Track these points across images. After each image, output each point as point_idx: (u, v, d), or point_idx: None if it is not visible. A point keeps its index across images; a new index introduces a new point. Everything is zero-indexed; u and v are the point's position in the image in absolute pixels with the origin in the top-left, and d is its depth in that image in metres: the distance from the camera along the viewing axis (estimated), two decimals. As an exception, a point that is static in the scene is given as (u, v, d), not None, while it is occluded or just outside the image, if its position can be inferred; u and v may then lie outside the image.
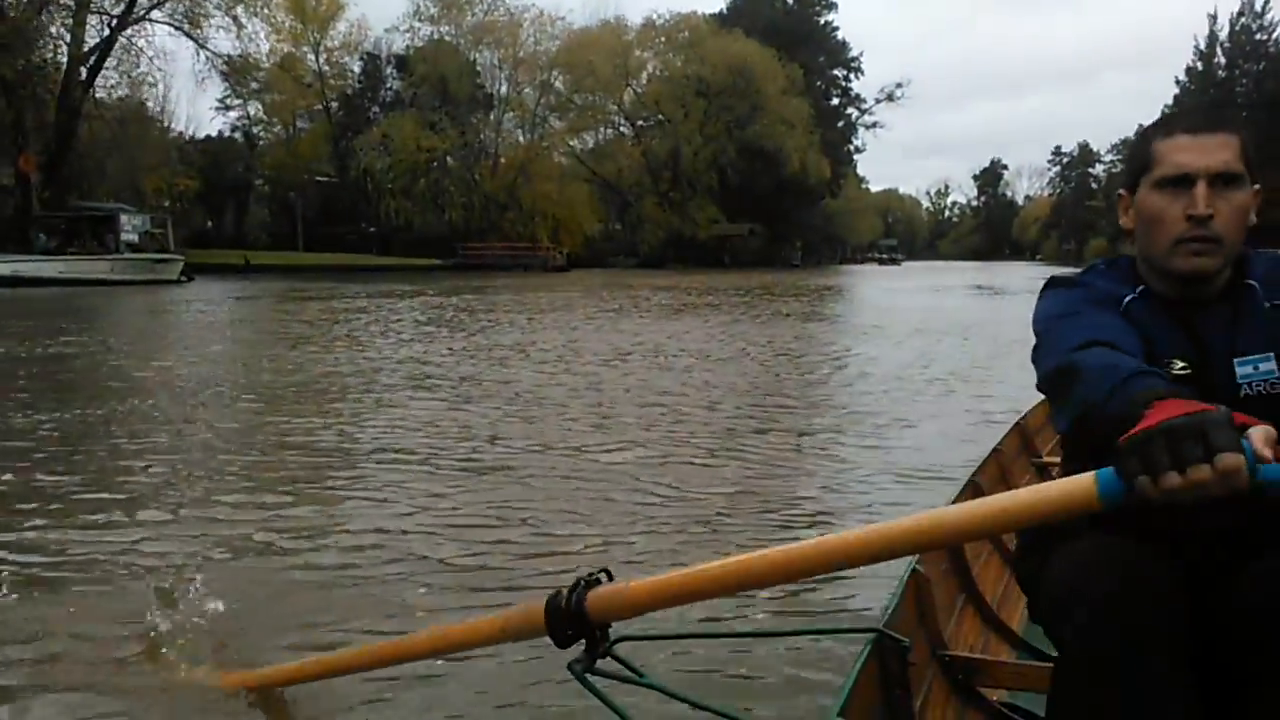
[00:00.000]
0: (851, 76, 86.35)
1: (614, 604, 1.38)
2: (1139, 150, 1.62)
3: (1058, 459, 2.57)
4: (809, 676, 2.69)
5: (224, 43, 46.74)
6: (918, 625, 2.10)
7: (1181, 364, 1.54)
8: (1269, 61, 67.63)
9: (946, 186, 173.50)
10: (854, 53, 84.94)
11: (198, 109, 55.37)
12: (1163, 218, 1.55)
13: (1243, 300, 1.58)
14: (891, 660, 1.83)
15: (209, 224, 56.14)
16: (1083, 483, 1.12)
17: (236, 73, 45.53)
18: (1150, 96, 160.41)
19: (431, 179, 56.28)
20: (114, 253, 34.35)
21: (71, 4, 39.05)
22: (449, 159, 58.47)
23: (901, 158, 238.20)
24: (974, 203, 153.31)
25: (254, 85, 48.62)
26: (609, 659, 1.42)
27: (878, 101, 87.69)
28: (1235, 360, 1.54)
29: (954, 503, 1.93)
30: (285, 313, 20.05)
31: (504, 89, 63.60)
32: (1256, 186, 1.57)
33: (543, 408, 7.66)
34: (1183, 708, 1.32)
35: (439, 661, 2.61)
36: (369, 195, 55.33)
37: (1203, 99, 68.86)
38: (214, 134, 57.73)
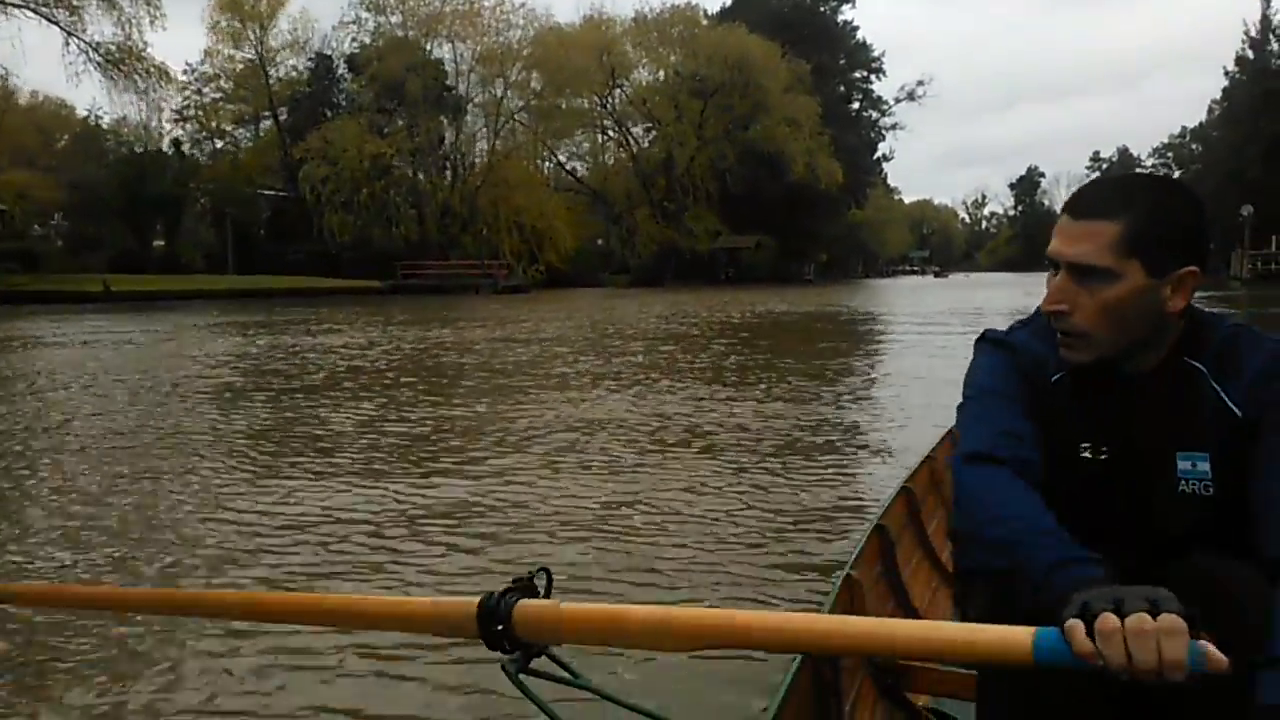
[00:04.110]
0: (873, 78, 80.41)
1: (540, 622, 1.33)
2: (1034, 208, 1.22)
3: None
4: (747, 681, 2.71)
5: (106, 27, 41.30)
6: None
7: (1101, 450, 1.47)
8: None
9: (983, 196, 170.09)
10: (875, 53, 78.86)
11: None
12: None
13: (1187, 383, 1.46)
14: (824, 667, 1.89)
15: (149, 243, 50.63)
16: (1019, 638, 1.05)
17: (114, 64, 39.76)
18: (1198, 96, 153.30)
19: (377, 189, 50.03)
20: None
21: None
22: (396, 167, 52.26)
23: (938, 167, 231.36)
24: (1010, 212, 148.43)
25: (144, 81, 42.31)
26: (544, 659, 1.37)
27: (898, 101, 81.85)
28: (1178, 454, 1.44)
29: (862, 544, 2.48)
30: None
31: (469, 90, 57.35)
32: (1189, 269, 1.42)
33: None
34: None
35: (373, 647, 2.86)
36: (310, 210, 49.37)
37: (1254, 92, 62.50)
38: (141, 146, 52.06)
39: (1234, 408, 1.42)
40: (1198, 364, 1.46)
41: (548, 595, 1.37)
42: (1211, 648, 0.97)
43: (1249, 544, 1.33)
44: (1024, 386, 1.52)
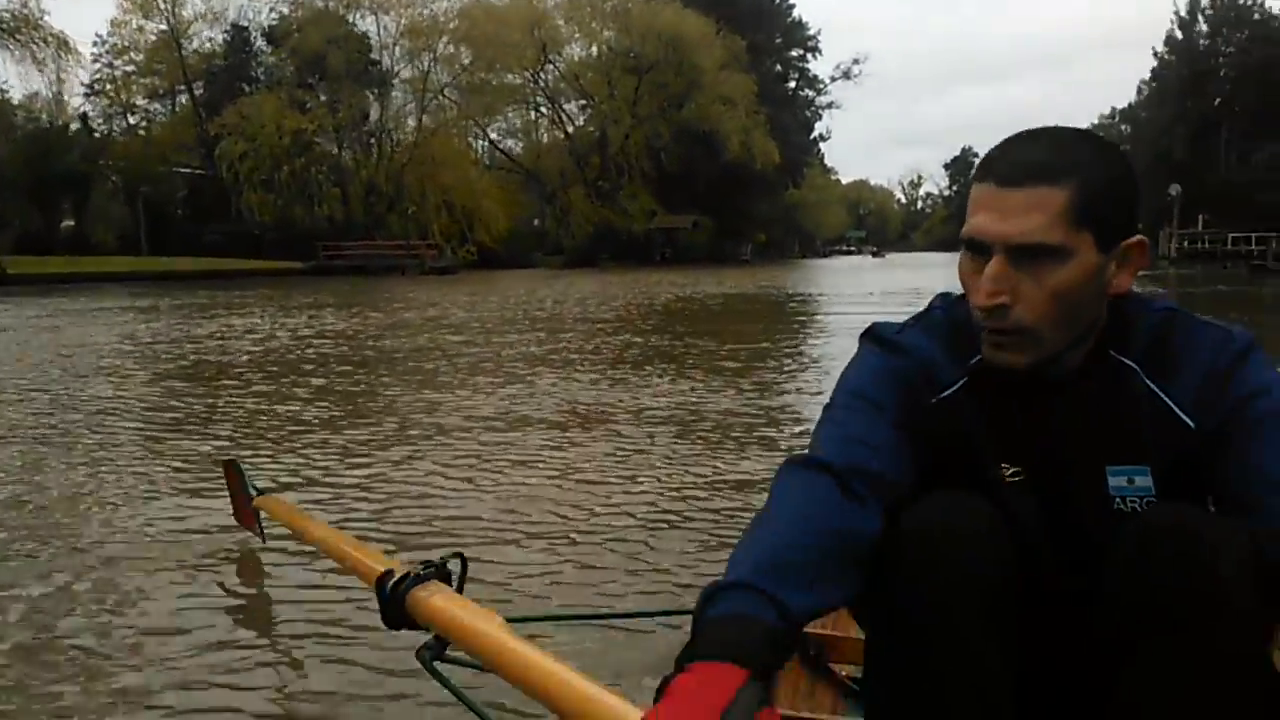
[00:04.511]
0: (809, 57, 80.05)
1: (432, 613, 1.27)
2: (969, 189, 1.23)
3: None
4: (665, 657, 2.33)
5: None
6: None
7: (1014, 469, 1.25)
8: (1254, 27, 61.86)
9: (919, 177, 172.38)
10: (811, 30, 78.44)
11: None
12: (968, 288, 1.23)
13: (1115, 383, 1.24)
14: None
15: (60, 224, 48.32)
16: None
17: (9, 34, 37.60)
18: (1128, 77, 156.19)
19: (298, 167, 48.16)
20: None
21: None
22: (318, 144, 50.34)
23: (875, 149, 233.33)
24: (945, 192, 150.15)
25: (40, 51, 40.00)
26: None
27: (834, 80, 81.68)
28: (1108, 468, 1.22)
29: None
30: None
31: (395, 64, 55.55)
32: (1137, 239, 1.21)
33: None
34: (1000, 664, 1.13)
35: (289, 634, 2.68)
36: (229, 188, 47.45)
37: (1182, 72, 63.42)
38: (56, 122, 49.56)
39: (1184, 417, 1.19)
40: (1127, 360, 1.23)
41: (461, 585, 1.30)
42: None
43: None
44: (904, 396, 1.27)
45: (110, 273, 36.50)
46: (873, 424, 1.23)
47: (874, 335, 1.35)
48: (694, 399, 7.36)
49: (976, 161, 1.41)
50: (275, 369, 9.66)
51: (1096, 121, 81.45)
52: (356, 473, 4.97)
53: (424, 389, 8.24)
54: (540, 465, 5.13)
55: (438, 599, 1.27)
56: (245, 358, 10.82)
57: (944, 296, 1.38)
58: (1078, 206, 1.13)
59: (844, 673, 2.16)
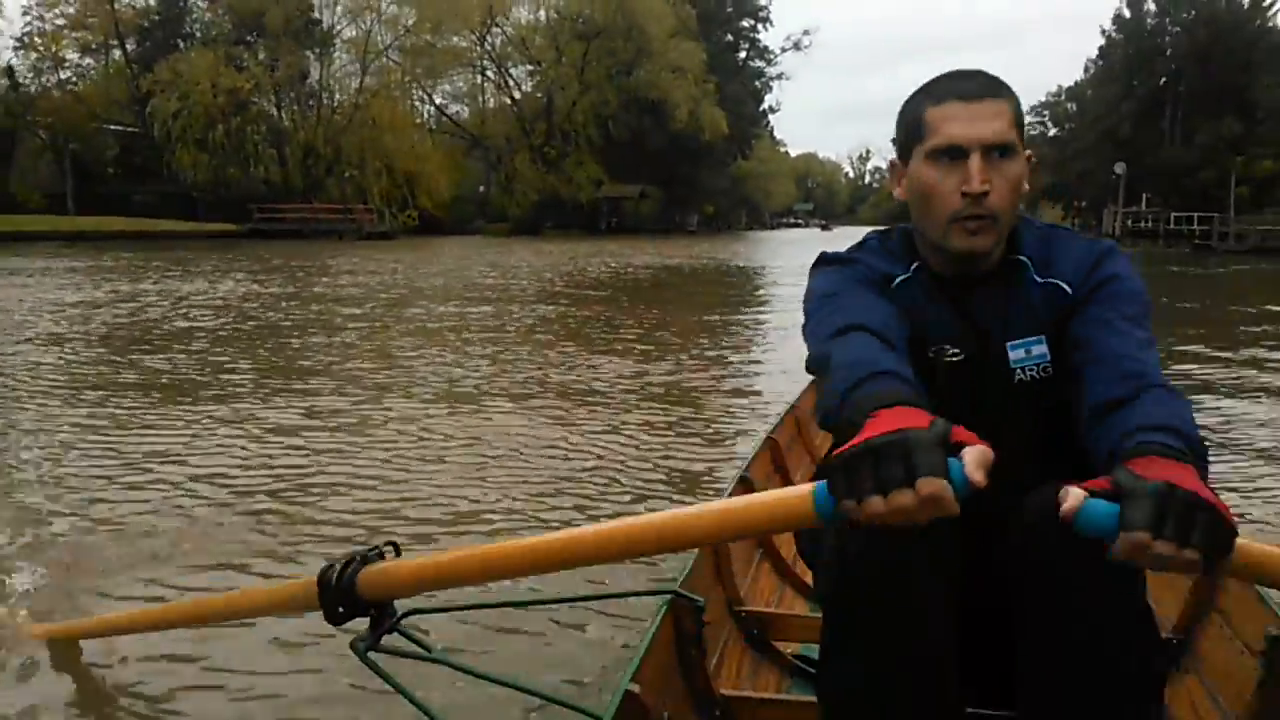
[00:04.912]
0: (760, 27, 79.28)
1: (387, 582, 1.32)
2: (910, 117, 1.49)
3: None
4: (608, 640, 2.64)
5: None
6: (714, 583, 2.16)
7: (953, 350, 1.49)
8: (1201, 8, 62.36)
9: (868, 151, 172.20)
10: (761, 1, 77.53)
11: None
12: (936, 192, 1.45)
13: (1014, 277, 1.52)
14: (686, 619, 1.85)
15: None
16: (801, 496, 1.08)
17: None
18: (1076, 54, 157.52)
19: (234, 127, 46.58)
20: None
21: None
22: (254, 103, 48.75)
23: (824, 122, 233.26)
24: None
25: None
26: (395, 635, 1.37)
27: (784, 50, 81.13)
28: (1008, 344, 1.49)
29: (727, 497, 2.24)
30: None
31: (337, 24, 53.96)
32: (1029, 153, 1.47)
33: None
34: (944, 633, 1.32)
35: (220, 638, 2.59)
36: (162, 147, 45.80)
37: (1129, 51, 63.88)
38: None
39: (1065, 286, 1.48)
40: (1022, 257, 1.52)
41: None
42: (972, 463, 0.97)
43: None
44: (871, 288, 1.50)
45: (28, 231, 35.03)
46: (865, 295, 1.46)
47: (824, 258, 1.59)
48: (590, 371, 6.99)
49: (911, 95, 1.51)
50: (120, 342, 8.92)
51: (1044, 99, 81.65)
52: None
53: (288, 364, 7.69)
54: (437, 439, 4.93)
55: (391, 568, 1.30)
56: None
57: (875, 232, 1.62)
58: (1017, 116, 1.44)
59: (788, 650, 2.14)
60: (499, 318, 11.24)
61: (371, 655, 1.32)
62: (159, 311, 11.43)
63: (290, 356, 7.98)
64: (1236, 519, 1.01)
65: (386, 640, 1.34)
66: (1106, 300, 1.44)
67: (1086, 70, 76.13)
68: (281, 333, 9.56)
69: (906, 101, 1.51)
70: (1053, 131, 77.99)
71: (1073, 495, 1.01)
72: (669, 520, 1.18)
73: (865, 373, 1.20)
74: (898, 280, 1.51)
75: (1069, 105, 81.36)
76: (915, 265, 1.53)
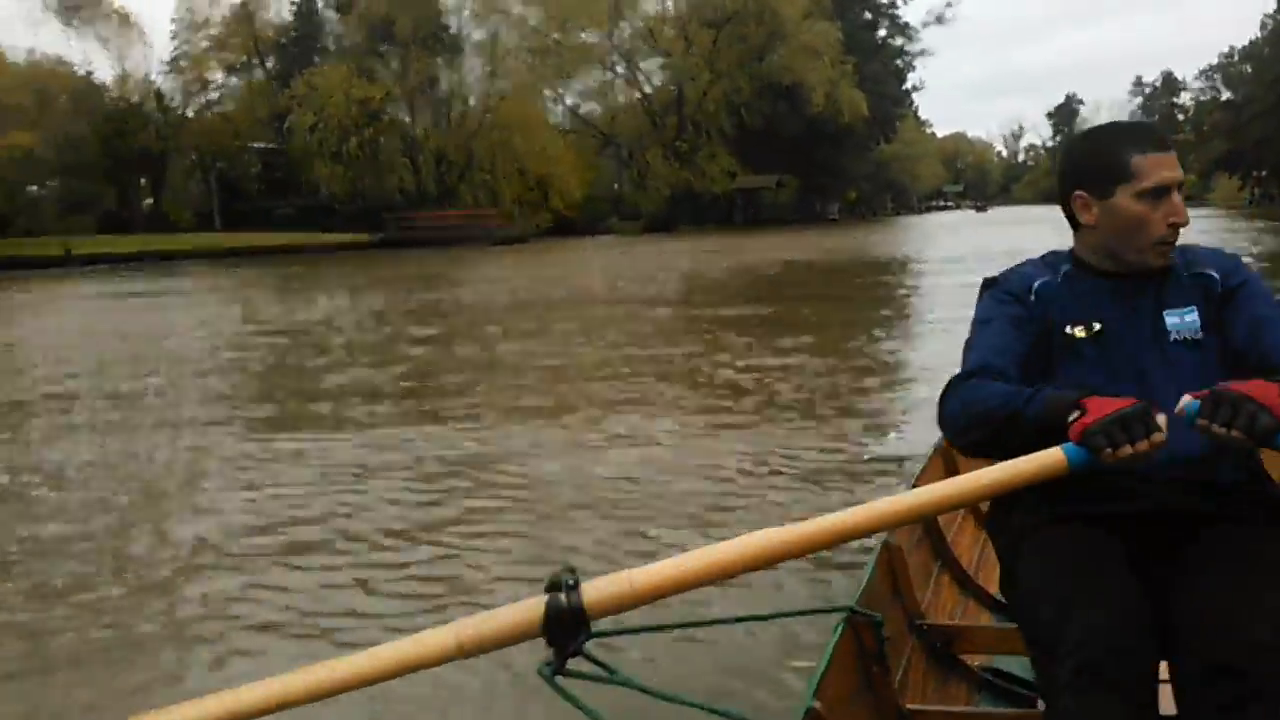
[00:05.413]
0: (898, 2, 76.35)
1: (615, 598, 1.34)
2: (1108, 160, 1.80)
3: None
4: (787, 661, 2.69)
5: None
6: (892, 598, 2.15)
7: (1095, 325, 1.79)
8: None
9: (1021, 127, 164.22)
10: (900, -27, 74.56)
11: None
12: (1148, 221, 1.77)
13: (1169, 271, 1.83)
14: (866, 636, 1.88)
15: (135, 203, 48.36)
16: (1052, 454, 1.41)
17: (72, 10, 37.19)
18: (1249, 12, 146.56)
19: (367, 137, 47.16)
20: None
21: None
22: (387, 113, 49.30)
23: (972, 99, 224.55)
24: (1049, 143, 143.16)
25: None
26: (580, 658, 1.37)
27: (925, 25, 77.76)
28: (1165, 311, 1.79)
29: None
30: None
31: (465, 28, 54.10)
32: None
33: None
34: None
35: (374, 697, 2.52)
36: (300, 161, 46.87)
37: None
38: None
39: (1215, 276, 1.81)
40: (1174, 258, 1.84)
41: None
42: (1164, 422, 1.40)
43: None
44: (1011, 303, 1.85)
45: (177, 250, 36.27)
46: (998, 334, 1.80)
47: (986, 281, 1.92)
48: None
49: (1082, 109, 1.94)
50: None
51: (1215, 61, 75.94)
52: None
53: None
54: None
55: (603, 584, 1.32)
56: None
57: (1052, 253, 1.93)
58: None
59: (975, 663, 2.13)
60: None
61: (558, 680, 1.32)
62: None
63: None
64: None
65: (570, 664, 1.33)
66: (1257, 294, 1.81)
67: (1264, 27, 70.21)
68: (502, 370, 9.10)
69: (1094, 144, 1.85)
70: (1225, 95, 72.21)
71: (1184, 399, 1.46)
72: (889, 504, 1.34)
73: (1032, 390, 1.60)
74: (1037, 284, 1.85)
75: (1245, 67, 75.16)
76: (1066, 269, 1.87)
